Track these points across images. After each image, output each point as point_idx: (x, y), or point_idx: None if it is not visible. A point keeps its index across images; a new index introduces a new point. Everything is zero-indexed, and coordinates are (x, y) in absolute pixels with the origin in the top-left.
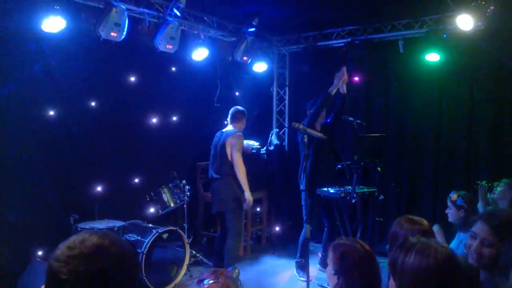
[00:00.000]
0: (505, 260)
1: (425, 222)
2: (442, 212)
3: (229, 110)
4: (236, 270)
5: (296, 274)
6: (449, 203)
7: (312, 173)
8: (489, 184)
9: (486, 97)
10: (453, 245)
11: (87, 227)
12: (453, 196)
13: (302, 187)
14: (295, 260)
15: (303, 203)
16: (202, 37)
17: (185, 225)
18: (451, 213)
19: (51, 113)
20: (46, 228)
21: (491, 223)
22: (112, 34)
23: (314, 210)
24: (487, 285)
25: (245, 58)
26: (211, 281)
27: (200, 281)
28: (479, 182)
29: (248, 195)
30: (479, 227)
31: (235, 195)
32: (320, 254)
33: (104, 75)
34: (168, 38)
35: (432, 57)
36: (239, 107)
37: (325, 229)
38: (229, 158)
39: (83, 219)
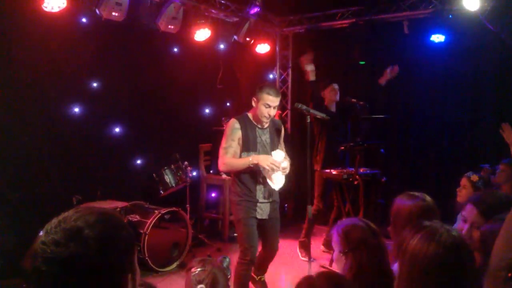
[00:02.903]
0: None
1: (428, 198)
2: (447, 193)
3: (231, 92)
4: (227, 259)
5: (299, 253)
6: (466, 183)
7: (326, 154)
8: (493, 167)
9: (491, 77)
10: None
11: None
12: (474, 176)
13: (316, 167)
14: (299, 239)
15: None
16: (205, 17)
17: (188, 206)
18: (465, 193)
19: (52, 94)
20: (49, 208)
21: (479, 206)
22: (114, 13)
23: (325, 191)
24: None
25: (247, 39)
26: (198, 270)
27: (189, 270)
28: (482, 165)
29: (251, 160)
30: (468, 211)
31: (233, 204)
32: (325, 235)
33: (105, 56)
34: (170, 18)
35: (437, 38)
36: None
37: (333, 210)
38: None
39: (86, 200)
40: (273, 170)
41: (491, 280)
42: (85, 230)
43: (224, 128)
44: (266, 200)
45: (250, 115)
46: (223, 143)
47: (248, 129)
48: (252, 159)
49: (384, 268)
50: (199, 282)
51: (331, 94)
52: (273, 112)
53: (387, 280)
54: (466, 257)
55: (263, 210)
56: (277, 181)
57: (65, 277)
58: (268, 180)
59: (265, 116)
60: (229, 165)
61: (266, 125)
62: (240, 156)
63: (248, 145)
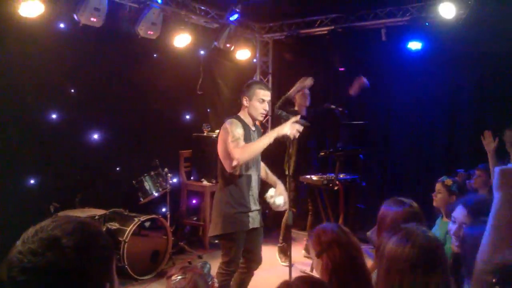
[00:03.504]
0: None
1: (414, 204)
2: (424, 198)
3: (212, 98)
4: (207, 265)
5: (278, 259)
6: (440, 187)
7: (297, 159)
8: (468, 172)
9: (468, 85)
10: (433, 231)
11: None
12: (448, 181)
13: (286, 172)
14: (277, 245)
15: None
16: (184, 23)
17: (168, 213)
18: (440, 198)
19: (30, 100)
20: (25, 216)
21: (468, 207)
22: (92, 19)
23: (298, 195)
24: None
25: (228, 45)
26: (179, 277)
27: (169, 277)
28: (458, 171)
29: (271, 134)
30: (457, 211)
31: (224, 216)
32: (305, 240)
33: (84, 62)
34: (150, 24)
35: (414, 45)
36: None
37: (309, 214)
38: (221, 165)
39: (64, 207)
40: (295, 133)
41: (476, 283)
42: (62, 239)
43: (209, 132)
44: (256, 208)
45: (241, 116)
46: (230, 137)
47: (246, 129)
48: (272, 132)
49: (359, 265)
50: None
51: (302, 99)
52: (267, 107)
53: (363, 277)
54: (442, 259)
55: (254, 219)
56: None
57: (42, 286)
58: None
59: (261, 113)
60: (249, 150)
61: (253, 128)
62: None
63: None
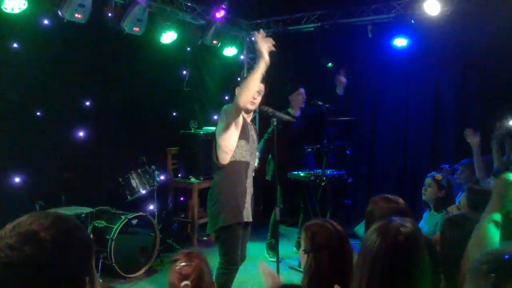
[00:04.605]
0: None
1: (401, 200)
2: (410, 193)
3: (199, 95)
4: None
5: (267, 255)
6: (430, 182)
7: (284, 155)
8: (451, 168)
9: (452, 81)
10: (421, 225)
11: None
12: (438, 176)
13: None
14: (266, 241)
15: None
16: (171, 20)
17: (155, 210)
18: (430, 192)
19: (13, 97)
20: (10, 215)
21: (468, 195)
22: (77, 15)
23: (286, 192)
24: None
25: (214, 42)
26: (183, 264)
27: (173, 262)
28: (442, 166)
29: (261, 63)
30: (462, 199)
31: (222, 208)
32: (297, 238)
33: (68, 58)
34: (135, 20)
35: (400, 42)
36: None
37: (301, 211)
38: (216, 158)
39: (50, 206)
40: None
41: (472, 272)
42: (40, 233)
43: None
44: (249, 198)
45: None
46: (231, 106)
47: (242, 119)
48: (259, 64)
49: (345, 272)
50: (185, 278)
51: (298, 98)
52: (258, 97)
53: (346, 283)
54: (415, 252)
55: (248, 211)
56: None
57: (21, 281)
58: None
59: (250, 101)
60: (244, 87)
61: (248, 119)
62: (238, 144)
63: (244, 133)
